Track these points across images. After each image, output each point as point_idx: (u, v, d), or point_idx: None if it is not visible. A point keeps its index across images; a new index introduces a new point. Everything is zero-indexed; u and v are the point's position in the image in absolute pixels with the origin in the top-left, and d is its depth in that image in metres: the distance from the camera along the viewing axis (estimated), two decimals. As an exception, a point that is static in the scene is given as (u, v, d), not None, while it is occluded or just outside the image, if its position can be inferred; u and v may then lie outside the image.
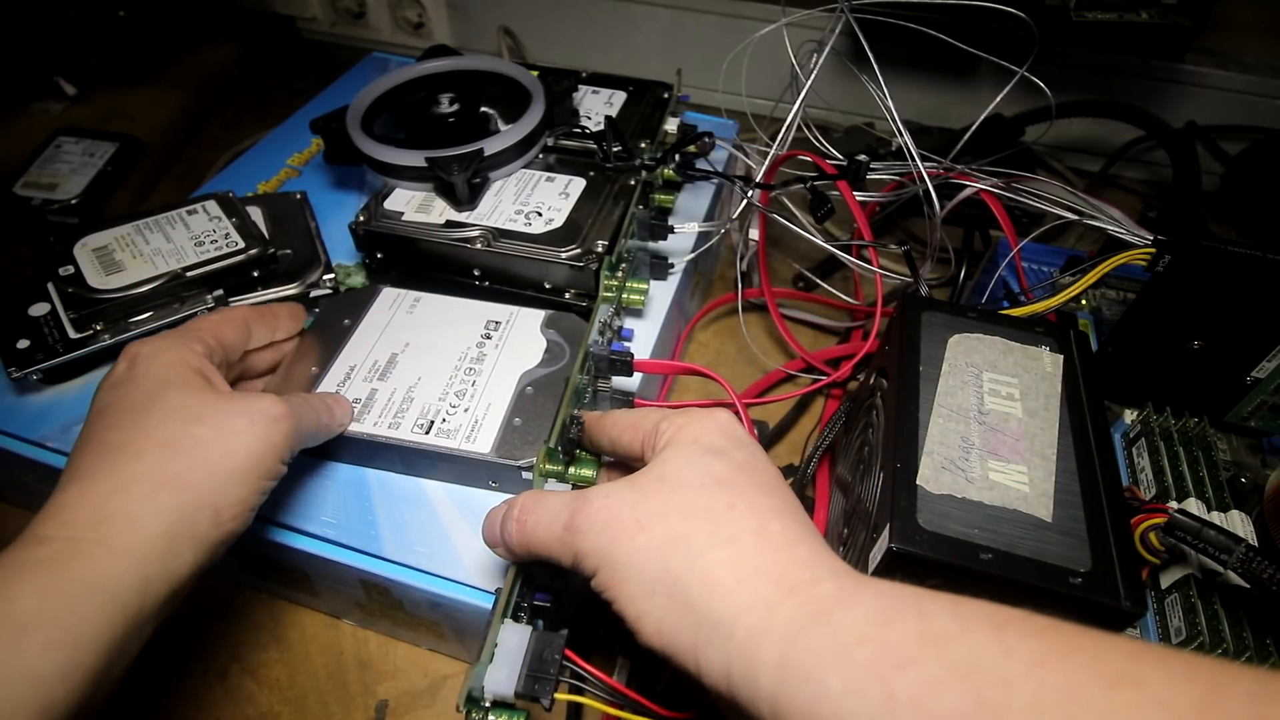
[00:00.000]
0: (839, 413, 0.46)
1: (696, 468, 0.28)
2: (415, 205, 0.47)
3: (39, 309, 0.44)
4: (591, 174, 0.50)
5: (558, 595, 0.33)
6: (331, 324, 0.43)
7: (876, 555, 0.30)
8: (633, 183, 0.49)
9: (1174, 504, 0.35)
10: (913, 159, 0.44)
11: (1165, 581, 0.35)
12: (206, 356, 0.34)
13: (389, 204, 0.47)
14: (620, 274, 0.44)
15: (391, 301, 0.45)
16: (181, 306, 0.44)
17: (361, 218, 0.47)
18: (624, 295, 0.44)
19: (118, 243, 0.45)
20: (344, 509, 0.39)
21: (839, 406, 0.48)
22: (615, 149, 0.50)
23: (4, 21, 0.77)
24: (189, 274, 0.44)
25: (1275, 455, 0.42)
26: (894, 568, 0.30)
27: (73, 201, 0.65)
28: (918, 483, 0.31)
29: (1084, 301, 0.50)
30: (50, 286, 0.44)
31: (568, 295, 0.46)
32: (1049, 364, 0.36)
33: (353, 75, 0.70)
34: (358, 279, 0.49)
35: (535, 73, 0.54)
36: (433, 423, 0.38)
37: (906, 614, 0.21)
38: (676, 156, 0.52)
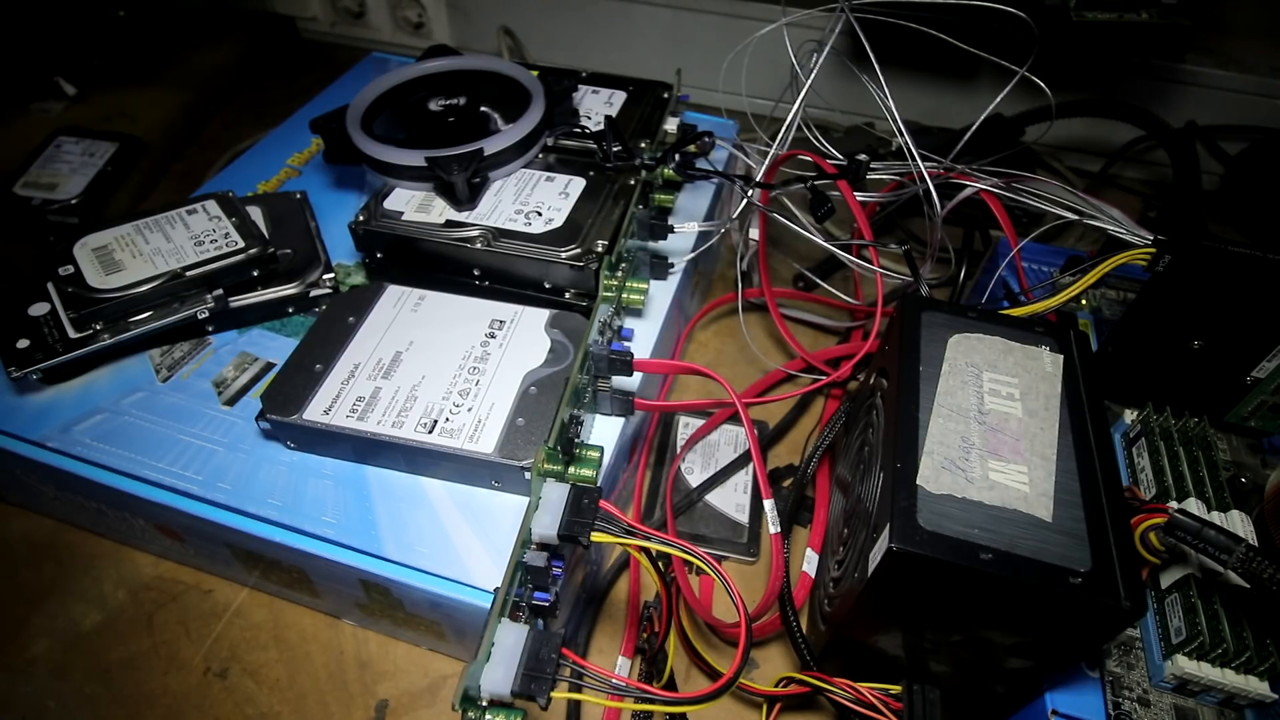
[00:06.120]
0: (839, 413, 0.46)
1: None
2: (415, 205, 0.47)
3: (39, 309, 0.44)
4: (591, 174, 0.50)
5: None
6: (336, 321, 0.43)
7: (876, 555, 0.30)
8: (633, 182, 0.49)
9: (1174, 504, 0.34)
10: (913, 159, 0.44)
11: (1165, 581, 0.35)
12: None
13: (389, 204, 0.47)
14: (620, 274, 0.44)
15: (396, 299, 0.45)
16: (181, 306, 0.44)
17: (361, 217, 0.47)
18: (624, 295, 0.44)
19: (118, 242, 0.45)
20: (344, 509, 0.39)
21: (839, 406, 0.48)
22: (615, 149, 0.50)
23: (4, 21, 0.77)
24: (189, 274, 0.44)
25: (1275, 455, 0.42)
26: (894, 568, 0.30)
27: (73, 201, 0.65)
28: (918, 483, 0.31)
29: (1084, 301, 0.50)
30: (50, 286, 0.44)
31: (568, 295, 0.46)
32: (1049, 364, 0.36)
33: (353, 75, 0.70)
34: (358, 278, 0.49)
35: (535, 73, 0.54)
36: (436, 422, 0.38)
37: None
38: (676, 156, 0.52)
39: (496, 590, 0.30)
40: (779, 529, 0.40)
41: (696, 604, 0.43)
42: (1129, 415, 0.42)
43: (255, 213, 0.50)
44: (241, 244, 0.45)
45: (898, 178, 0.49)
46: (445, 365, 0.41)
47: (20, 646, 0.44)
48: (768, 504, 0.40)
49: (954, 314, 0.38)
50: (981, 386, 0.35)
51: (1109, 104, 0.68)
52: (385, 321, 0.43)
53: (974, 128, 0.47)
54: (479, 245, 0.45)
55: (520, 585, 0.32)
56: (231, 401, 0.43)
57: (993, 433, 0.33)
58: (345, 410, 0.39)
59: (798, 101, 0.48)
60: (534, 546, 0.32)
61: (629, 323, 0.48)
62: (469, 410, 0.39)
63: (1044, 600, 0.29)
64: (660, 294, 0.50)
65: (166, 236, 0.45)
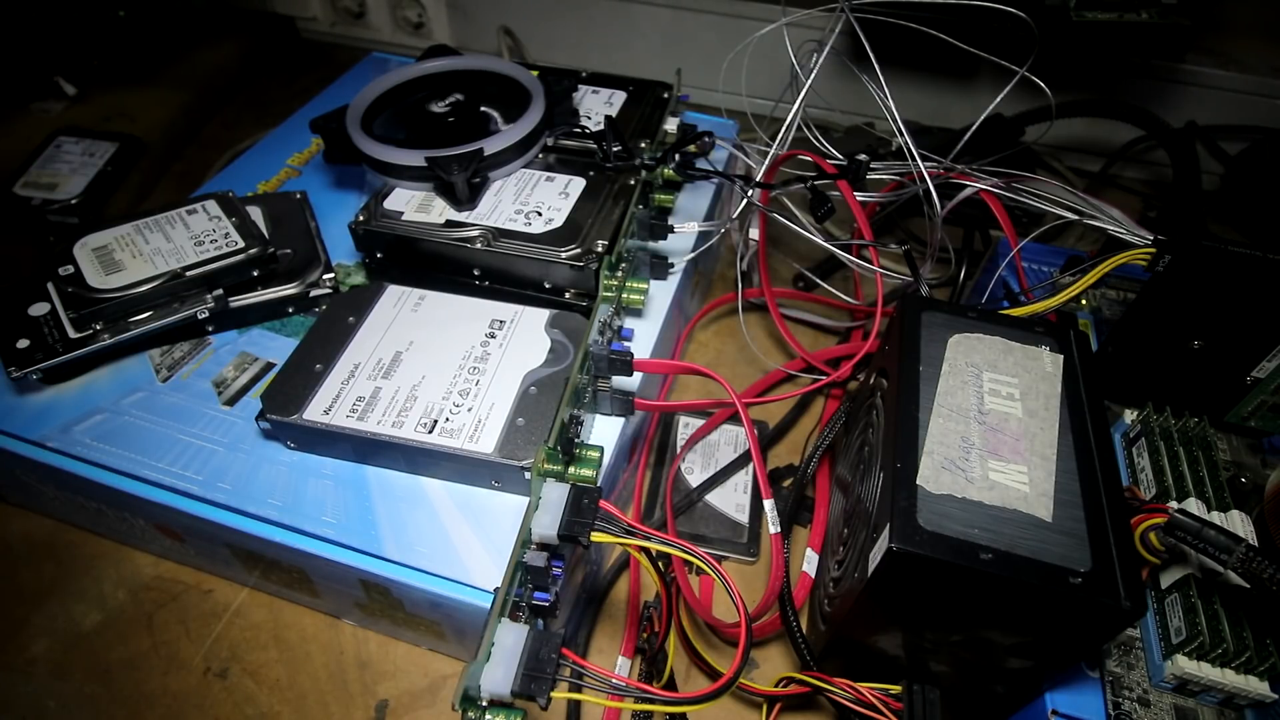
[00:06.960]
0: (839, 413, 0.46)
1: None
2: (415, 205, 0.47)
3: (39, 309, 0.44)
4: (591, 174, 0.50)
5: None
6: (336, 321, 0.43)
7: (876, 555, 0.30)
8: (633, 182, 0.49)
9: (1174, 504, 0.34)
10: (913, 159, 0.44)
11: (1165, 581, 0.35)
12: None
13: (389, 204, 0.47)
14: (620, 274, 0.44)
15: (396, 299, 0.45)
16: (181, 306, 0.44)
17: (361, 217, 0.47)
18: (624, 295, 0.44)
19: (118, 242, 0.45)
20: (344, 509, 0.39)
21: (839, 406, 0.48)
22: (615, 149, 0.50)
23: (4, 21, 0.77)
24: (189, 274, 0.44)
25: (1275, 455, 0.42)
26: (894, 568, 0.30)
27: (73, 201, 0.65)
28: (918, 483, 0.31)
29: (1084, 301, 0.50)
30: (50, 286, 0.44)
31: (568, 295, 0.46)
32: (1049, 364, 0.36)
33: (353, 75, 0.70)
34: (358, 278, 0.49)
35: (535, 73, 0.54)
36: (436, 422, 0.38)
37: None
38: (676, 156, 0.52)
39: (496, 590, 0.30)
40: (779, 529, 0.40)
41: (696, 604, 0.43)
42: (1129, 415, 0.42)
43: (255, 213, 0.50)
44: (241, 244, 0.45)
45: (898, 178, 0.49)
46: (445, 365, 0.41)
47: (20, 646, 0.44)
48: (768, 504, 0.40)
49: (954, 314, 0.38)
50: (981, 386, 0.35)
51: (1109, 104, 0.68)
52: (385, 321, 0.43)
53: (974, 128, 0.47)
54: (479, 245, 0.45)
55: (520, 585, 0.32)
56: (231, 401, 0.43)
57: (993, 433, 0.33)
58: (345, 410, 0.39)
59: (798, 101, 0.48)
60: (534, 546, 0.32)
61: (629, 323, 0.48)
62: (469, 410, 0.39)
63: (1044, 600, 0.29)
64: (660, 294, 0.50)
65: (166, 236, 0.45)
